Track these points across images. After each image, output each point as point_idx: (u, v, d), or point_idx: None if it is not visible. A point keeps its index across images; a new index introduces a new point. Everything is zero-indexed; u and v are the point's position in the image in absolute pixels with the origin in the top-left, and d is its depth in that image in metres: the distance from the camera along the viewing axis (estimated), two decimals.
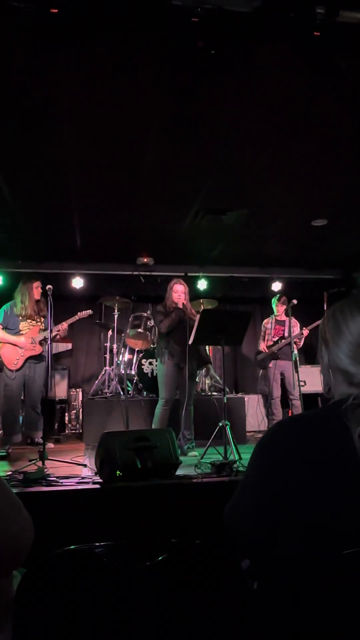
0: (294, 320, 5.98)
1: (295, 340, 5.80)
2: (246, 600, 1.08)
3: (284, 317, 6.11)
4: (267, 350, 6.08)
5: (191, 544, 0.97)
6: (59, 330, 4.98)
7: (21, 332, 4.93)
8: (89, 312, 5.41)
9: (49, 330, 4.45)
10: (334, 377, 1.18)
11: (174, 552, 0.96)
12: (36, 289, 5.00)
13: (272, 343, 6.07)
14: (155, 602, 0.95)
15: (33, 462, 3.69)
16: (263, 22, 2.53)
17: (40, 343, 4.96)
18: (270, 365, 6.02)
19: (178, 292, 4.81)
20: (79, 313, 5.30)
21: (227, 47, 2.56)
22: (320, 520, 1.06)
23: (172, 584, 0.96)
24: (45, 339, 4.88)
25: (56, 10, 2.29)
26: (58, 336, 5.09)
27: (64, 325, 5.02)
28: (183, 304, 4.76)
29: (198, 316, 4.38)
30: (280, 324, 6.12)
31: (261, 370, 6.28)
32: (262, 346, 6.18)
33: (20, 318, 4.94)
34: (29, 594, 0.98)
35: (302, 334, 5.83)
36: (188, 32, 2.40)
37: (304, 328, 5.85)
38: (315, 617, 1.02)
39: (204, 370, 6.28)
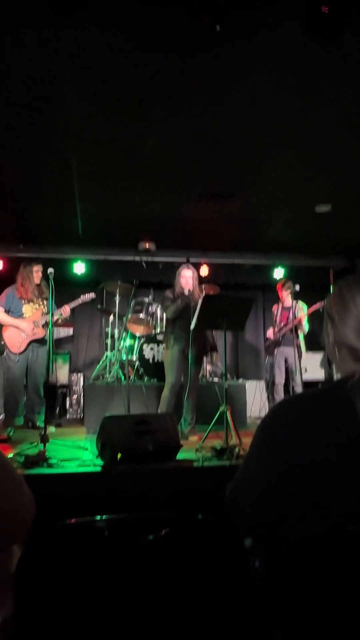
0: (299, 304, 5.95)
1: (299, 325, 5.77)
2: (248, 578, 1.08)
3: (289, 303, 6.07)
4: (272, 336, 6.07)
5: (193, 519, 0.96)
6: (61, 314, 4.98)
7: (24, 316, 4.93)
8: (92, 295, 5.40)
9: (50, 314, 4.43)
10: (339, 354, 1.16)
11: (176, 527, 0.95)
12: (36, 273, 4.99)
13: (277, 329, 6.06)
14: (157, 576, 0.94)
15: (34, 444, 3.71)
16: None
17: (43, 326, 4.95)
18: (275, 351, 6.01)
19: (186, 278, 4.80)
20: (82, 296, 5.30)
21: (232, 22, 2.49)
22: (324, 498, 1.05)
23: (174, 557, 0.95)
24: (47, 323, 4.87)
25: None
26: (60, 320, 5.08)
27: (67, 307, 5.01)
28: (189, 290, 4.74)
29: (200, 301, 4.36)
30: (286, 310, 6.09)
31: (267, 357, 6.28)
32: (269, 332, 6.17)
33: (23, 301, 4.94)
34: (30, 568, 0.97)
35: (301, 319, 5.79)
36: (193, 6, 2.34)
37: (301, 313, 5.82)
38: (318, 594, 1.01)
39: (209, 357, 6.28)
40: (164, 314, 4.96)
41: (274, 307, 6.29)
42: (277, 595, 1.10)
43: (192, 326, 4.55)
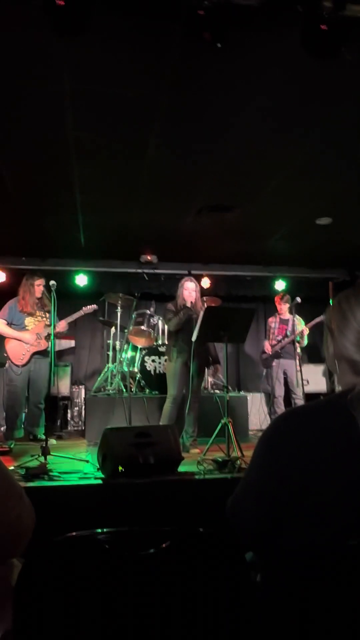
0: (297, 319, 5.97)
1: (299, 338, 5.78)
2: (249, 592, 1.07)
3: (287, 316, 6.09)
4: (270, 350, 6.07)
5: (194, 533, 0.96)
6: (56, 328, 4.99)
7: (26, 328, 4.94)
8: (94, 307, 5.42)
9: (52, 326, 4.45)
10: (339, 367, 1.17)
11: (177, 540, 0.95)
12: (37, 287, 5.01)
13: (275, 342, 6.06)
14: (158, 590, 0.94)
15: (35, 457, 3.69)
16: (270, 15, 2.52)
17: (46, 338, 4.97)
18: (274, 363, 6.01)
19: (189, 290, 4.81)
20: (84, 308, 5.31)
21: (233, 39, 2.54)
22: (325, 511, 1.04)
23: (174, 572, 0.95)
24: (49, 335, 4.88)
25: (63, 3, 2.28)
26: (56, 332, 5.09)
27: (62, 323, 5.02)
28: (191, 302, 4.75)
29: (201, 313, 4.37)
30: (283, 323, 6.11)
31: (265, 369, 6.27)
32: (267, 345, 6.17)
33: (25, 314, 4.95)
34: (30, 582, 0.97)
35: (302, 333, 5.80)
36: (194, 24, 2.39)
37: (304, 327, 5.83)
38: (319, 608, 1.01)
39: (211, 370, 6.27)
40: (166, 327, 4.96)
41: (270, 320, 6.30)
42: (277, 609, 1.09)
43: (194, 338, 4.55)
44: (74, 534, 0.99)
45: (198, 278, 7.34)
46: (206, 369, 5.63)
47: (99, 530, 0.96)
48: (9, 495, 1.07)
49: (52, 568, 0.96)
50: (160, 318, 6.19)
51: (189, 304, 4.73)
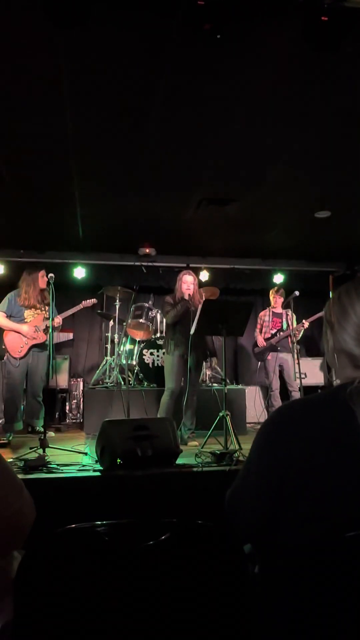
0: (290, 313, 5.99)
1: (295, 332, 5.80)
2: (247, 584, 1.08)
3: (280, 310, 6.11)
4: (264, 343, 6.08)
5: (193, 525, 0.97)
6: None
7: (25, 320, 4.94)
8: (94, 300, 5.41)
9: (50, 319, 4.44)
10: (338, 360, 1.17)
11: (176, 533, 0.95)
12: (41, 278, 5.00)
13: (269, 335, 6.07)
14: (156, 581, 0.94)
15: (34, 449, 3.70)
16: (270, 6, 2.50)
17: (44, 331, 4.96)
18: (269, 357, 6.02)
19: (187, 283, 4.81)
20: (83, 302, 5.30)
21: (233, 30, 2.52)
22: (323, 504, 1.05)
23: (173, 564, 0.96)
24: (48, 327, 4.88)
25: None
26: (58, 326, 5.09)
27: (58, 318, 5.01)
28: (190, 295, 4.76)
29: (199, 306, 4.38)
30: (277, 316, 6.12)
31: (259, 363, 6.29)
32: (260, 339, 6.17)
33: (25, 307, 4.95)
34: (30, 574, 0.98)
35: (303, 325, 5.81)
36: (194, 15, 2.37)
37: (303, 320, 5.83)
38: (316, 600, 1.01)
39: (208, 362, 6.28)
40: (164, 319, 4.96)
41: (263, 313, 6.30)
42: (274, 601, 1.10)
43: (192, 331, 4.56)
44: (73, 526, 0.99)
45: (196, 271, 7.37)
46: (204, 362, 5.64)
47: (99, 523, 0.96)
48: (10, 489, 1.07)
49: (52, 560, 0.96)
50: (159, 311, 6.19)
51: (187, 297, 4.73)
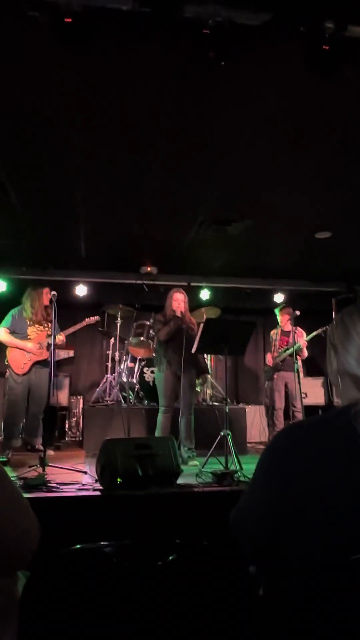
0: (299, 330, 5.97)
1: (300, 348, 5.79)
2: (252, 605, 1.07)
3: (289, 327, 6.10)
4: (271, 363, 6.08)
5: (199, 546, 0.97)
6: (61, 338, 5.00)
7: (29, 337, 4.95)
8: (97, 318, 5.42)
9: (53, 336, 4.46)
10: (342, 383, 1.18)
11: (182, 553, 0.95)
12: (46, 295, 5.03)
13: (277, 354, 6.07)
14: (163, 602, 0.94)
15: (33, 468, 3.68)
16: (272, 35, 2.57)
17: (47, 348, 4.97)
18: (276, 376, 6.01)
19: (178, 301, 4.83)
20: (86, 319, 5.32)
21: (236, 58, 2.59)
22: (328, 526, 1.05)
23: (179, 584, 0.96)
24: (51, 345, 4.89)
25: (70, 20, 2.33)
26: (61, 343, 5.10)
27: (62, 336, 5.03)
28: (181, 312, 4.78)
29: (201, 325, 4.39)
30: (285, 335, 6.11)
31: (266, 382, 6.28)
32: (268, 357, 6.18)
33: (29, 323, 4.96)
34: (36, 595, 0.98)
35: (300, 346, 5.80)
36: (199, 43, 2.44)
37: (301, 338, 5.83)
38: (321, 622, 1.01)
39: (201, 380, 6.27)
40: (156, 337, 4.95)
41: (273, 332, 6.31)
42: (280, 623, 1.09)
43: (194, 350, 4.57)
44: (78, 546, 0.99)
45: (197, 290, 7.41)
46: (197, 380, 5.63)
47: (105, 543, 0.96)
48: (17, 510, 1.07)
49: (58, 580, 0.96)
50: None
51: (178, 314, 4.75)
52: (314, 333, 5.82)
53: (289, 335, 6.03)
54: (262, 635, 1.07)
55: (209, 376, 6.46)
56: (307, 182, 4.51)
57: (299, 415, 5.76)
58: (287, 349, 5.93)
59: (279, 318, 6.24)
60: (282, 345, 6.08)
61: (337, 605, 1.01)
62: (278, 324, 6.26)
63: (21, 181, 4.51)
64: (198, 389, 6.30)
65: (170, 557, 0.92)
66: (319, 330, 5.80)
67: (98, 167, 4.26)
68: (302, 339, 5.90)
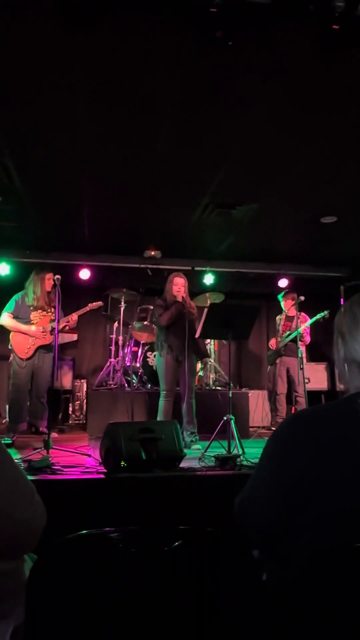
0: (303, 315, 5.96)
1: (302, 335, 5.79)
2: (256, 590, 1.08)
3: (293, 313, 6.09)
4: (274, 346, 6.09)
5: (205, 531, 0.98)
6: (68, 322, 4.99)
7: (32, 322, 4.95)
8: (100, 303, 5.41)
9: (56, 320, 4.46)
10: (349, 371, 1.18)
11: (188, 539, 0.96)
12: (48, 281, 5.01)
13: (280, 339, 6.07)
14: (166, 587, 0.95)
15: (38, 450, 3.71)
16: (282, 14, 2.51)
17: (51, 332, 4.98)
18: (278, 361, 6.02)
19: (178, 285, 4.82)
20: (90, 304, 5.31)
21: (245, 38, 2.53)
22: (334, 514, 1.06)
23: (183, 569, 0.96)
24: (54, 329, 4.90)
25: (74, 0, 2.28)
26: (67, 327, 5.10)
27: (74, 316, 5.03)
28: (182, 297, 4.76)
29: (205, 310, 4.38)
30: (289, 320, 6.11)
31: (269, 367, 6.29)
32: (272, 341, 6.19)
33: (32, 308, 4.96)
34: (42, 577, 0.98)
35: (300, 332, 5.79)
36: (206, 22, 2.38)
37: (301, 325, 5.82)
38: (324, 610, 1.02)
39: (202, 364, 6.28)
40: (157, 322, 4.94)
41: (278, 317, 6.31)
42: (283, 609, 1.11)
43: (197, 335, 4.57)
44: (85, 532, 1.00)
45: (201, 274, 7.38)
46: (198, 364, 5.63)
47: (111, 529, 0.97)
48: (23, 495, 1.08)
49: (64, 565, 0.97)
50: None
51: (179, 299, 4.74)
52: (314, 319, 5.81)
53: (293, 320, 6.03)
54: (266, 620, 1.08)
55: (212, 360, 6.48)
56: (314, 166, 4.45)
57: (302, 401, 5.78)
58: (289, 335, 5.93)
59: (282, 304, 6.23)
60: (285, 330, 6.07)
61: (341, 592, 1.02)
62: (282, 309, 6.25)
63: (25, 164, 4.47)
64: (201, 373, 6.32)
65: (176, 543, 0.93)
66: (319, 316, 5.79)
67: (103, 150, 4.21)
68: (304, 324, 5.90)
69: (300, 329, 5.77)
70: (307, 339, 5.98)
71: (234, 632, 1.02)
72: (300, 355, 5.62)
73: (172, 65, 3.03)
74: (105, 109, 3.60)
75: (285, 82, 3.20)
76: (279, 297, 6.32)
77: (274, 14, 2.52)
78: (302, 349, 5.70)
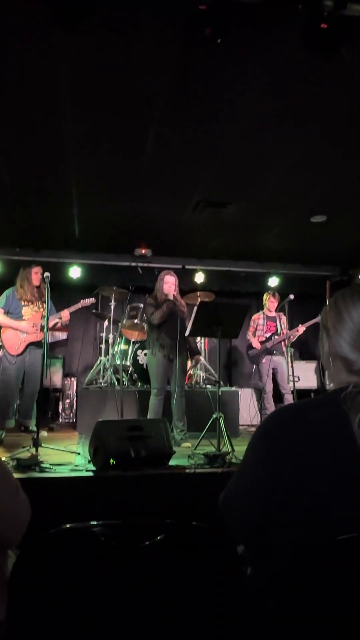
0: (283, 316, 6.02)
1: (289, 336, 5.83)
2: (240, 585, 1.09)
3: (274, 313, 6.14)
4: (259, 347, 6.10)
5: (188, 526, 0.98)
6: (60, 318, 4.96)
7: (23, 318, 4.92)
8: (92, 300, 5.39)
9: (46, 318, 4.43)
10: (333, 365, 1.19)
11: (171, 533, 0.96)
12: (35, 274, 4.98)
13: (264, 339, 6.09)
14: (151, 581, 0.95)
15: (26, 448, 3.70)
16: (270, 12, 2.51)
17: (42, 329, 4.95)
18: (264, 360, 6.04)
19: (169, 283, 4.82)
20: (82, 301, 5.28)
21: (233, 36, 2.53)
22: (317, 507, 1.06)
23: (167, 564, 0.97)
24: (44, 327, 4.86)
25: None
26: (59, 324, 5.07)
27: (66, 312, 4.99)
28: (174, 295, 4.77)
29: (195, 308, 4.39)
30: (271, 320, 6.15)
31: (254, 365, 6.31)
32: (255, 341, 6.18)
33: (23, 303, 4.93)
34: (25, 573, 0.98)
35: (298, 330, 5.83)
36: (195, 20, 2.38)
37: (300, 325, 5.85)
38: (307, 602, 1.03)
39: (193, 362, 6.29)
40: (149, 320, 4.94)
41: (256, 317, 6.31)
42: (266, 603, 1.11)
43: (187, 333, 4.57)
44: (68, 526, 1.00)
45: (192, 272, 7.39)
46: (189, 362, 5.64)
47: (94, 523, 0.97)
48: (6, 490, 1.08)
49: (46, 559, 0.97)
50: None
51: (171, 297, 4.74)
52: (311, 322, 5.82)
53: (275, 320, 6.08)
54: (250, 614, 1.08)
55: (202, 358, 6.48)
56: (304, 165, 4.46)
57: (289, 398, 5.82)
58: (273, 334, 5.99)
59: (266, 303, 6.24)
60: (269, 330, 6.11)
61: (324, 584, 1.02)
62: (264, 307, 6.27)
63: (13, 160, 4.44)
64: (191, 371, 6.33)
65: (158, 537, 0.93)
66: (317, 319, 5.81)
67: (92, 147, 4.19)
68: (285, 324, 5.93)
69: (300, 332, 5.81)
70: (292, 338, 6.00)
71: (216, 624, 1.02)
72: (290, 353, 5.65)
73: (161, 62, 3.02)
74: (94, 107, 3.58)
75: (274, 80, 3.20)
76: (265, 295, 6.35)
77: (263, 13, 2.52)
78: (290, 348, 5.74)
